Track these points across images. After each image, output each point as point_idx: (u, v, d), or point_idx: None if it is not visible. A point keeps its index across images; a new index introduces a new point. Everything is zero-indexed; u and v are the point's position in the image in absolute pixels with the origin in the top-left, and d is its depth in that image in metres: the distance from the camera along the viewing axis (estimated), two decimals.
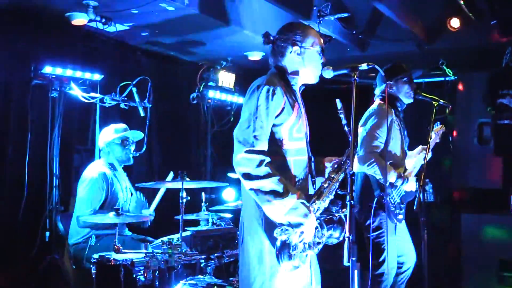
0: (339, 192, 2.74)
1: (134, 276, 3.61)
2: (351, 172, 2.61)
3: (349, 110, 2.73)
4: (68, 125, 4.82)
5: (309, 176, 2.91)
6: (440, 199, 5.56)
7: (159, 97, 5.22)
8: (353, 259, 2.49)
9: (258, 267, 2.74)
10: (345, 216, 2.65)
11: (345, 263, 2.48)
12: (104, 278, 3.69)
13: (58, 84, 4.61)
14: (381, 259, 4.03)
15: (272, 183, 2.62)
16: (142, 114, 4.88)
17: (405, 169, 4.28)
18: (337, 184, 2.84)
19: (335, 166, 2.91)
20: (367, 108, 4.29)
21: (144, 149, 4.80)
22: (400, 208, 4.11)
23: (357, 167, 4.07)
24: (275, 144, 2.78)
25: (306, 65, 2.91)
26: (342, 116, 2.84)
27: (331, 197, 2.82)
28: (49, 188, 4.55)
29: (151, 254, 3.69)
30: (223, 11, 5.02)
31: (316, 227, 2.72)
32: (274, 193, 2.62)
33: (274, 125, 2.77)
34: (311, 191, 2.89)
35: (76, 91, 4.65)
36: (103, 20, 4.65)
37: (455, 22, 5.81)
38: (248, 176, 2.66)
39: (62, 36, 4.81)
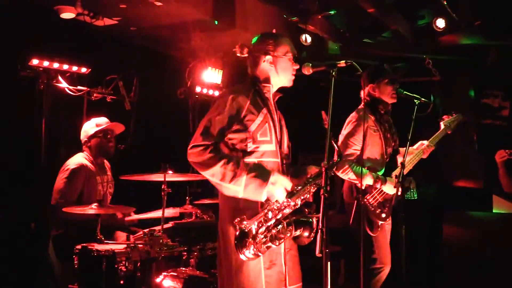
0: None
1: (116, 266, 3.66)
2: (326, 167, 2.67)
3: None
4: (55, 117, 4.84)
5: None
6: (422, 197, 5.63)
7: (146, 92, 5.24)
8: (327, 251, 2.55)
9: (224, 258, 2.87)
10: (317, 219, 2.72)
11: (317, 254, 2.54)
12: (86, 268, 3.73)
13: (45, 77, 4.63)
14: (374, 254, 4.13)
15: (221, 168, 2.76)
16: (127, 107, 4.92)
17: (391, 169, 4.32)
18: (312, 188, 2.89)
19: (313, 173, 2.97)
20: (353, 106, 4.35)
21: (129, 142, 4.83)
22: (383, 207, 4.17)
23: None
24: (239, 147, 2.91)
25: (279, 72, 3.04)
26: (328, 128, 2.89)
27: (303, 199, 2.88)
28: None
29: (133, 245, 3.74)
30: (212, 7, 5.06)
31: (281, 224, 2.79)
32: (225, 178, 2.76)
33: (238, 131, 2.90)
34: None
35: (63, 84, 4.68)
36: (91, 14, 4.69)
37: (440, 23, 5.87)
38: (197, 165, 2.81)
39: (49, 29, 4.83)
